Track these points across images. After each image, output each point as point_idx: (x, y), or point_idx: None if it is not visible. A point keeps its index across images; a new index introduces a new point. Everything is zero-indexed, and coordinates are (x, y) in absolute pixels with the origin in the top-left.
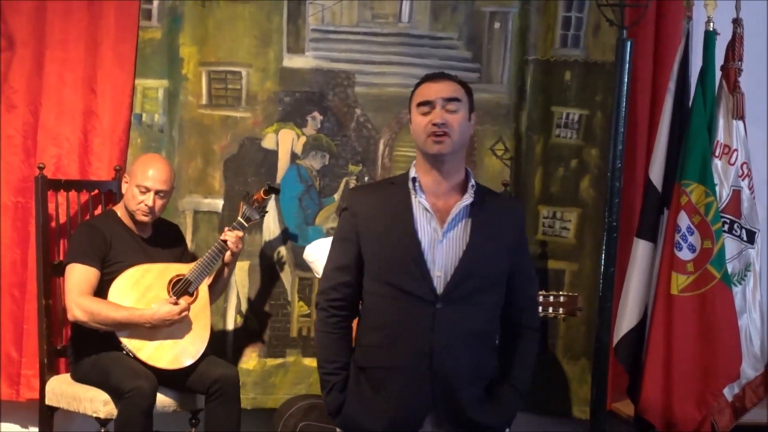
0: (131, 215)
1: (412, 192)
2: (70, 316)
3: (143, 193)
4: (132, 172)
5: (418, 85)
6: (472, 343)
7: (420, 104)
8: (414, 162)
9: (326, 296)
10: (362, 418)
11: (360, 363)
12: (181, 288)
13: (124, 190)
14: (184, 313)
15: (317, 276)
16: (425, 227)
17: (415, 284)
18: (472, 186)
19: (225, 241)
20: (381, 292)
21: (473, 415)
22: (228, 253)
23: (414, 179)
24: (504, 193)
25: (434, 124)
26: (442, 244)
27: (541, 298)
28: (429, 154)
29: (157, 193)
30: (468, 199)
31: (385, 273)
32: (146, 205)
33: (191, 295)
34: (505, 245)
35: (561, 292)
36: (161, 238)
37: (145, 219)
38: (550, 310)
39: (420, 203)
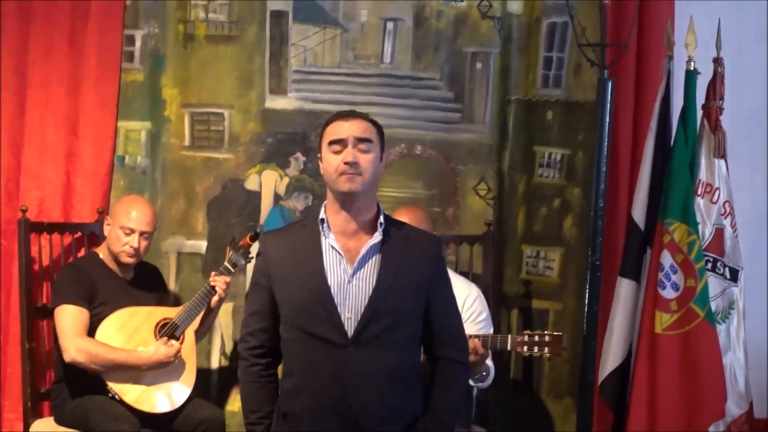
0: (114, 257)
1: (322, 233)
2: (67, 358)
3: (128, 234)
4: (114, 214)
5: (328, 122)
6: (387, 383)
7: (331, 142)
8: (324, 203)
9: (245, 344)
10: None
11: (281, 408)
12: (167, 331)
13: (106, 233)
14: (179, 354)
15: None
16: (335, 269)
17: (324, 328)
18: (381, 224)
19: (213, 286)
20: (292, 337)
21: None
22: (215, 298)
23: (322, 220)
24: (419, 230)
25: (346, 163)
26: (351, 285)
27: (526, 338)
28: (340, 192)
29: (141, 234)
30: (377, 237)
31: (295, 317)
32: (131, 246)
33: (177, 338)
34: (419, 281)
35: (546, 332)
36: (143, 280)
37: (130, 260)
38: (535, 349)
39: (329, 244)
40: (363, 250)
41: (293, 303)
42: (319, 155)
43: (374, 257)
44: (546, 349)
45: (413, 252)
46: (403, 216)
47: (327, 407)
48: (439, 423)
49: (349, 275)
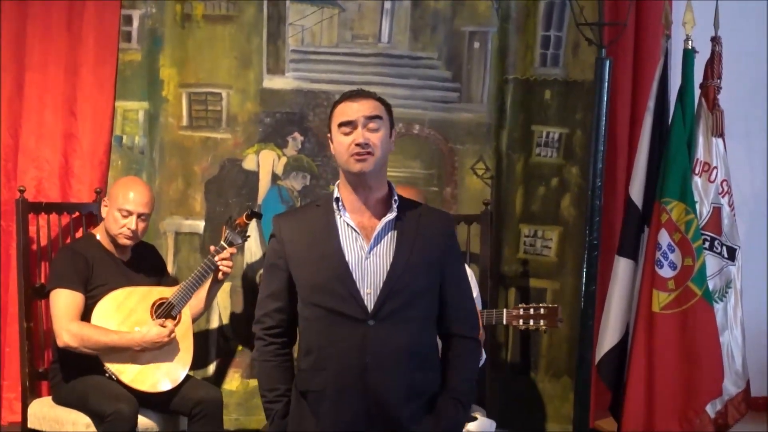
0: (112, 239)
1: (336, 212)
2: (59, 343)
3: (125, 216)
4: (112, 196)
5: (337, 103)
6: (406, 360)
7: (341, 124)
8: (337, 182)
9: (261, 325)
10: None
11: (299, 387)
12: (164, 311)
13: (104, 214)
14: (172, 335)
15: None
16: (352, 246)
17: (344, 304)
18: (395, 201)
19: (210, 265)
20: (311, 315)
21: (411, 430)
22: (221, 274)
23: (337, 199)
24: (431, 206)
25: (357, 144)
26: (368, 261)
27: (521, 311)
28: (352, 173)
29: (139, 216)
30: (392, 214)
31: (314, 295)
32: (129, 228)
33: (174, 318)
34: (434, 257)
35: (541, 305)
36: (141, 261)
37: (128, 242)
38: (531, 322)
39: (345, 222)
40: (378, 227)
41: (312, 281)
42: (329, 136)
43: (389, 234)
44: (542, 322)
45: (427, 228)
46: None
47: (349, 384)
48: (456, 400)
49: (366, 252)
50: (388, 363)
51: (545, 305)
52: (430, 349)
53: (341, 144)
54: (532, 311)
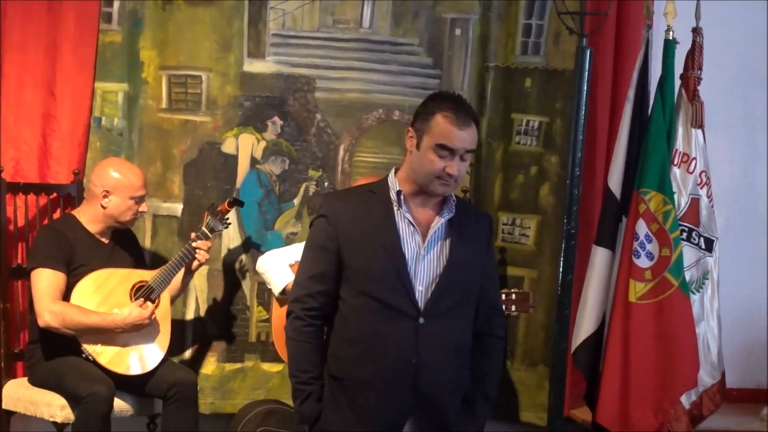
0: (100, 221)
1: (395, 204)
2: (41, 322)
3: (138, 202)
4: (118, 186)
5: (443, 112)
6: (452, 356)
7: (442, 146)
8: (394, 171)
9: (302, 304)
10: (342, 428)
11: (334, 373)
12: (143, 294)
13: (105, 204)
14: (153, 317)
15: (269, 286)
16: (408, 241)
17: (398, 298)
18: (453, 201)
19: (190, 251)
20: (360, 304)
21: (451, 426)
22: (195, 263)
23: (399, 192)
24: (473, 206)
25: (449, 174)
26: (423, 258)
27: None
28: (430, 191)
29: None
30: (449, 214)
31: (367, 285)
32: (142, 211)
33: (153, 301)
34: (479, 257)
35: (513, 290)
36: (121, 243)
37: (132, 224)
38: (503, 307)
39: (404, 216)
40: (435, 225)
41: (367, 271)
42: (411, 134)
43: (446, 232)
44: (513, 307)
45: (474, 229)
46: None
47: (399, 378)
48: (487, 396)
49: (423, 248)
50: (438, 360)
51: (517, 290)
52: (468, 347)
53: (432, 164)
54: (504, 296)
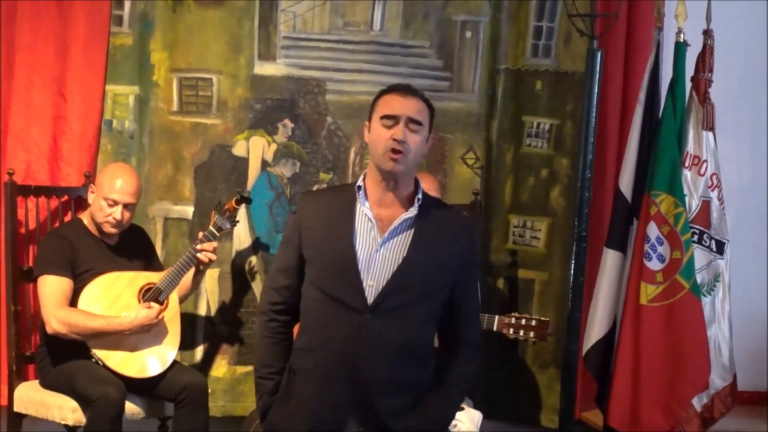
0: (98, 225)
1: (358, 200)
2: (48, 329)
3: (111, 206)
4: (99, 184)
5: (383, 93)
6: (397, 355)
7: (385, 116)
8: (365, 171)
9: (268, 298)
10: (284, 420)
11: (292, 365)
12: (151, 296)
13: (90, 200)
14: (160, 316)
15: None
16: (364, 236)
17: (346, 292)
18: (418, 199)
19: (198, 252)
20: (314, 297)
21: (392, 424)
22: (201, 265)
23: (359, 187)
24: (457, 209)
25: (395, 139)
26: (378, 254)
27: (513, 320)
28: (382, 170)
29: (125, 206)
30: (413, 211)
31: (320, 278)
32: (114, 218)
33: (161, 303)
34: (449, 260)
35: (534, 316)
36: (128, 245)
37: (113, 231)
38: (521, 332)
39: (363, 212)
40: (396, 222)
41: (319, 263)
42: (367, 124)
43: (407, 231)
44: (531, 333)
45: (446, 231)
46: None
47: (337, 369)
48: (448, 399)
49: (378, 244)
50: (377, 357)
51: (537, 317)
52: (425, 347)
53: (379, 136)
54: (523, 321)
